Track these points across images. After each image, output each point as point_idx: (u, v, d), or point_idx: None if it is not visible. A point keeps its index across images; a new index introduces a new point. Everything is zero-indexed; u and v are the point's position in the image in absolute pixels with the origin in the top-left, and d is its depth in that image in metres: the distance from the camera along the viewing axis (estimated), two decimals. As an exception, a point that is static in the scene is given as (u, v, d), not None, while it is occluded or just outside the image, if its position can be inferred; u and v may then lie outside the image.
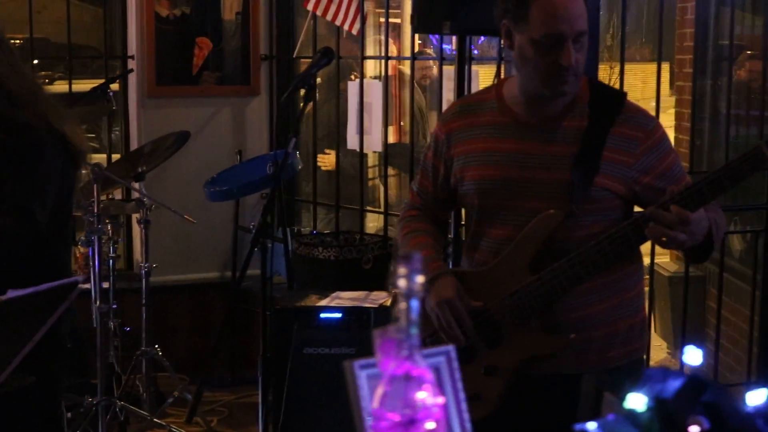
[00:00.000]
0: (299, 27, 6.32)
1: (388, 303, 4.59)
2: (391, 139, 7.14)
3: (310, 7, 5.85)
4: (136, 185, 5.19)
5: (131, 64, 6.08)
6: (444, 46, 6.00)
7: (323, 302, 4.61)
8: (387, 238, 5.76)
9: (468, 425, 1.59)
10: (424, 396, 1.35)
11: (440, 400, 1.37)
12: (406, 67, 6.66)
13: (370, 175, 7.09)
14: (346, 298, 4.68)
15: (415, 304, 1.35)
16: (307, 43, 6.08)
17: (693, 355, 1.43)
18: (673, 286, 6.26)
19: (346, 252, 5.49)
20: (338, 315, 4.52)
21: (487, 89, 3.09)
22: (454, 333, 2.82)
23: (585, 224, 2.75)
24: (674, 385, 1.39)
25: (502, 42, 4.60)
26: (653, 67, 7.23)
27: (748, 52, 6.24)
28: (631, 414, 1.39)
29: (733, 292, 5.77)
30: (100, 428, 4.63)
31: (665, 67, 7.17)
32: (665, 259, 6.41)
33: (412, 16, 4.19)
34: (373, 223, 6.78)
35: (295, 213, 6.67)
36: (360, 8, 5.70)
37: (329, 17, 5.80)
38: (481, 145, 2.87)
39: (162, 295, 5.79)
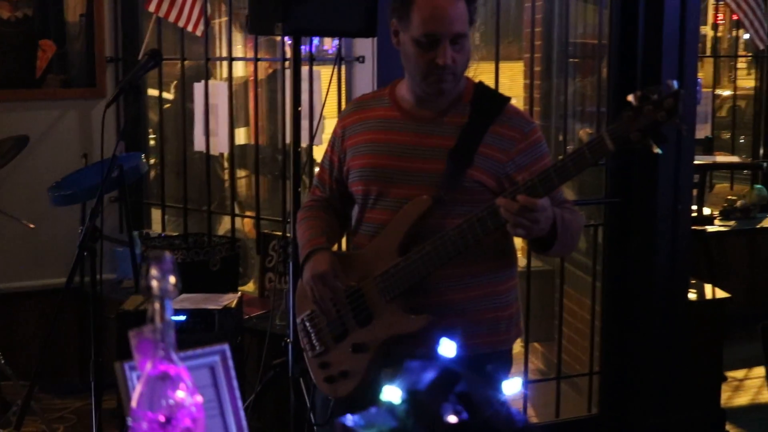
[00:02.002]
0: (145, 29, 6.27)
1: (233, 304, 4.60)
2: (243, 140, 7.15)
3: (151, 8, 5.80)
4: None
5: (-27, 67, 5.96)
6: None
7: (168, 305, 4.58)
8: (235, 239, 5.76)
9: (244, 423, 1.61)
10: (181, 395, 1.36)
11: (199, 398, 1.38)
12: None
13: (225, 177, 7.07)
14: (191, 300, 4.66)
15: (169, 304, 1.36)
16: (153, 45, 6.02)
17: (447, 347, 1.48)
18: (523, 279, 6.37)
19: (193, 254, 5.47)
20: (182, 317, 4.49)
21: (381, 89, 3.23)
22: (326, 306, 2.97)
23: (457, 213, 2.85)
24: (428, 377, 1.43)
25: (340, 42, 4.70)
26: (514, 66, 7.38)
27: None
28: (389, 406, 1.43)
29: (579, 285, 5.91)
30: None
31: (519, 65, 7.29)
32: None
33: (247, 18, 4.19)
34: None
35: (146, 216, 6.59)
36: (203, 10, 5.68)
37: (171, 18, 5.77)
38: (367, 137, 3.03)
39: (8, 301, 5.68)
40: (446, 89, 2.90)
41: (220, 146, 5.94)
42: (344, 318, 3.00)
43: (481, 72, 7.83)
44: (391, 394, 1.40)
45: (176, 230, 6.31)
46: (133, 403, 1.37)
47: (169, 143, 6.32)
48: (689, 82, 5.10)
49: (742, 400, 6.03)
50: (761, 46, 8.02)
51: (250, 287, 6.03)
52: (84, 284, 4.94)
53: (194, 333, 4.47)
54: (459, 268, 2.89)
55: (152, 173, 6.55)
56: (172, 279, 1.35)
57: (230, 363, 1.62)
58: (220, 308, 4.54)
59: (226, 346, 1.62)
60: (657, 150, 2.58)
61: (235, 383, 1.61)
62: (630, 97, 2.56)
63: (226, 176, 7.11)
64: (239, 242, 5.82)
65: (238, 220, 6.11)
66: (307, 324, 3.11)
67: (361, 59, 5.12)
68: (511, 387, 1.44)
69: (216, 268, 5.42)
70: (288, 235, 4.23)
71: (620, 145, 2.58)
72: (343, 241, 4.24)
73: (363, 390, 2.97)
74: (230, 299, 4.67)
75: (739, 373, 6.36)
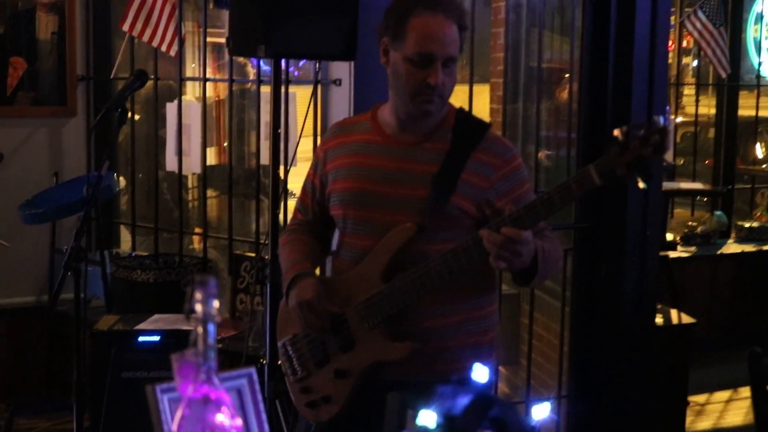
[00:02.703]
0: (117, 48, 6.26)
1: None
2: (214, 161, 7.14)
3: (126, 28, 5.80)
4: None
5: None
6: (265, 67, 6.03)
7: (141, 325, 4.57)
8: (206, 260, 5.75)
9: (270, 445, 1.63)
10: (222, 419, 1.38)
11: (239, 422, 1.40)
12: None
13: (191, 197, 7.06)
14: (165, 320, 4.66)
15: (212, 328, 1.38)
16: (125, 64, 6.03)
17: (480, 373, 1.51)
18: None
19: (165, 274, 5.46)
20: (156, 338, 4.49)
21: (363, 113, 3.23)
22: (317, 331, 2.98)
23: (440, 239, 2.87)
24: (463, 402, 1.46)
25: (317, 64, 4.73)
26: (477, 88, 7.42)
27: (568, 75, 6.44)
28: (423, 430, 1.45)
29: (546, 309, 5.96)
30: None
31: (486, 89, 7.34)
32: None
33: (228, 39, 4.20)
34: (200, 245, 6.76)
35: (115, 235, 6.57)
36: (178, 31, 5.69)
37: (146, 39, 5.77)
38: (349, 161, 3.03)
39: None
40: (432, 111, 2.91)
41: (192, 166, 5.94)
42: (327, 343, 3.01)
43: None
44: (427, 418, 1.42)
45: (142, 250, 6.29)
46: (174, 427, 1.38)
47: (139, 163, 6.30)
48: (658, 109, 5.17)
49: (705, 424, 6.11)
50: (723, 75, 8.16)
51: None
52: (53, 303, 4.90)
53: (168, 353, 4.43)
54: (441, 295, 2.90)
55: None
56: (215, 303, 1.37)
57: (257, 387, 1.64)
58: (194, 329, 4.52)
59: (252, 370, 1.64)
60: (642, 185, 2.62)
61: (261, 406, 1.63)
62: (617, 132, 2.57)
63: (191, 197, 7.12)
64: (211, 263, 5.83)
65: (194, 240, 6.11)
66: (289, 348, 3.11)
67: (337, 82, 5.15)
68: (541, 412, 1.48)
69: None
70: (265, 256, 4.23)
71: (607, 179, 2.60)
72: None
73: (345, 416, 2.99)
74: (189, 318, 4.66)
75: (701, 398, 6.45)
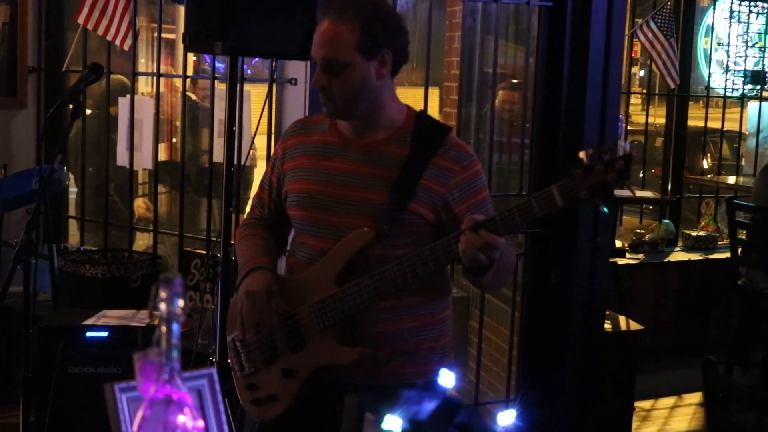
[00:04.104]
0: (69, 40, 6.19)
1: (156, 322, 4.55)
2: (163, 157, 7.09)
3: (80, 20, 5.74)
4: None
5: None
6: (218, 64, 6.00)
7: (89, 320, 4.53)
8: (156, 256, 5.71)
9: (229, 447, 1.61)
10: (184, 420, 1.36)
11: (200, 423, 1.38)
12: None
13: (140, 192, 7.00)
14: (114, 316, 4.62)
15: (176, 327, 1.36)
16: (77, 57, 5.96)
17: (446, 378, 1.50)
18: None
19: (114, 270, 5.42)
20: (104, 334, 4.44)
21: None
22: (247, 325, 2.95)
23: (398, 245, 2.86)
24: (429, 407, 1.46)
25: (273, 63, 4.71)
26: (437, 91, 7.43)
27: (502, 83, 6.46)
28: (387, 435, 1.44)
29: (495, 313, 5.98)
30: None
31: (436, 92, 7.36)
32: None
33: (184, 35, 4.17)
34: (143, 241, 6.70)
35: (62, 229, 6.51)
36: (132, 24, 5.64)
37: (100, 32, 5.72)
38: (306, 162, 3.01)
39: None
40: (327, 113, 2.94)
41: (143, 162, 5.89)
42: (277, 341, 2.99)
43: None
44: (392, 423, 1.41)
45: (90, 245, 6.23)
46: (135, 428, 1.36)
47: (88, 157, 6.24)
48: (611, 117, 5.20)
49: (650, 429, 6.16)
50: (673, 85, 8.23)
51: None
52: (2, 297, 4.83)
53: (116, 350, 4.42)
54: (393, 300, 2.89)
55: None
56: (180, 302, 1.35)
57: (217, 387, 1.62)
58: (143, 325, 4.49)
59: (213, 370, 1.63)
60: (603, 209, 2.62)
61: (221, 407, 1.62)
62: (581, 155, 2.56)
63: (141, 192, 7.06)
64: (160, 259, 5.78)
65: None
66: (238, 344, 3.08)
67: (293, 81, 5.13)
68: (506, 418, 1.47)
69: (137, 284, 5.37)
70: (217, 254, 4.20)
71: (568, 201, 2.59)
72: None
73: (290, 415, 2.98)
74: (151, 317, 4.63)
75: (646, 404, 6.49)
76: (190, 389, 1.60)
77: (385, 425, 1.41)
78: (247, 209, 3.36)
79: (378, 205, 2.88)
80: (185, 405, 1.37)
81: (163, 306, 1.35)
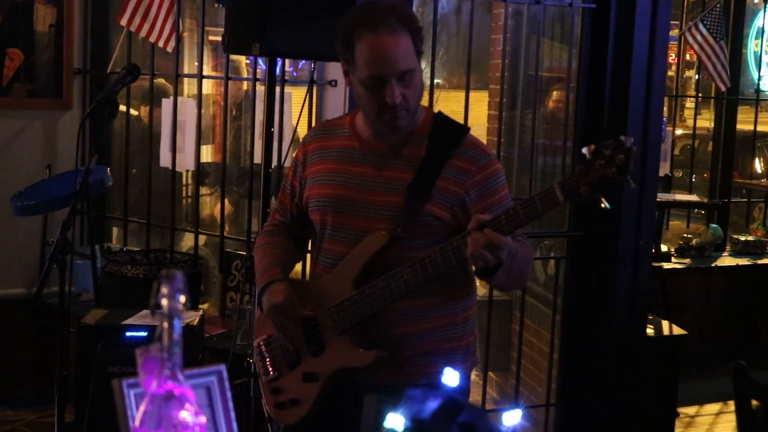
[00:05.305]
0: (114, 42, 6.25)
1: (196, 322, 4.58)
2: (212, 158, 7.13)
3: (123, 22, 5.79)
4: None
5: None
6: (262, 66, 6.02)
7: (129, 320, 4.55)
8: (198, 257, 5.74)
9: (237, 444, 1.61)
10: (185, 415, 1.36)
11: (202, 419, 1.38)
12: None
13: (184, 194, 7.04)
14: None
15: (177, 323, 1.36)
16: (122, 59, 6.01)
17: (451, 377, 1.49)
18: (483, 309, 6.41)
19: (155, 270, 5.45)
20: (144, 333, 4.47)
21: (344, 116, 3.23)
22: (291, 335, 2.97)
23: (414, 246, 2.85)
24: (432, 406, 1.44)
25: (313, 65, 4.71)
26: (476, 95, 7.41)
27: (557, 84, 6.43)
28: (391, 434, 1.43)
29: (537, 317, 5.94)
30: None
31: (485, 95, 7.33)
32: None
33: (223, 37, 4.20)
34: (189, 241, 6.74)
35: (106, 230, 6.56)
36: (175, 26, 5.67)
37: (143, 34, 5.76)
38: (327, 167, 3.02)
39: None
40: (401, 125, 2.89)
41: (186, 163, 5.92)
42: (298, 347, 3.01)
43: (442, 100, 7.89)
44: (395, 421, 1.40)
45: (133, 245, 6.28)
46: (137, 422, 1.37)
47: (132, 158, 6.29)
48: (655, 120, 5.16)
49: (694, 436, 6.11)
50: (723, 89, 8.14)
51: (208, 306, 6.01)
52: (41, 296, 4.88)
53: (155, 350, 4.43)
54: (414, 301, 2.89)
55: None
56: (182, 298, 1.35)
57: (226, 384, 1.62)
58: (183, 326, 4.51)
59: (222, 367, 1.63)
60: (605, 205, 2.57)
61: (230, 404, 1.61)
62: (584, 150, 2.53)
63: (184, 193, 7.09)
64: (202, 260, 5.81)
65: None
66: (264, 349, 3.12)
67: (333, 83, 5.14)
68: (512, 418, 1.46)
69: (178, 285, 5.40)
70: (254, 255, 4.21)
71: (570, 197, 2.57)
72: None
73: (313, 419, 2.99)
74: (192, 317, 4.64)
75: (691, 410, 6.43)
76: (199, 386, 1.61)
77: (387, 423, 1.40)
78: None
79: (394, 207, 2.88)
80: (187, 401, 1.36)
81: (164, 302, 1.35)
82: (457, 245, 2.74)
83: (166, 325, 1.36)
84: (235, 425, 1.61)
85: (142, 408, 1.37)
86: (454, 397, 1.43)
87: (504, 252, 2.67)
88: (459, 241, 2.74)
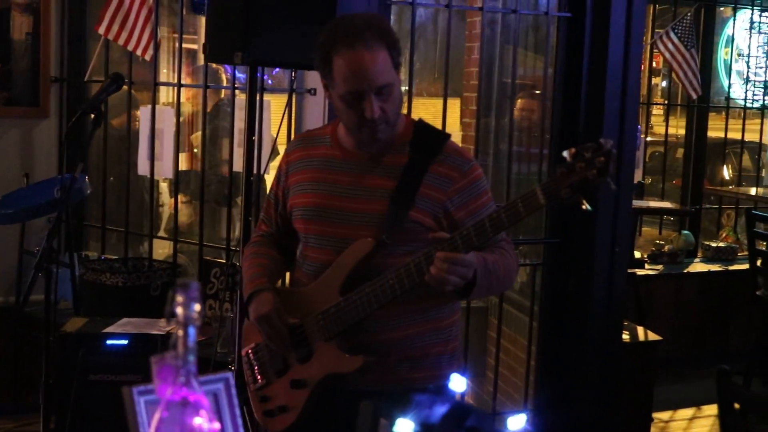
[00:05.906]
0: (91, 50, 6.24)
1: (175, 330, 4.58)
2: (185, 166, 7.13)
3: (101, 31, 5.79)
4: None
5: None
6: (238, 74, 6.04)
7: (110, 328, 4.56)
8: (176, 264, 5.74)
9: (244, 450, 1.63)
10: (200, 422, 1.39)
11: (216, 425, 1.41)
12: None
13: (161, 202, 7.04)
14: (133, 324, 4.65)
15: (192, 331, 1.39)
16: (99, 67, 6.01)
17: (457, 382, 1.52)
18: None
19: (134, 278, 5.45)
20: (124, 341, 4.47)
21: (326, 126, 3.24)
22: (279, 344, 3.00)
23: (399, 253, 2.88)
24: (440, 411, 1.47)
25: (293, 73, 4.73)
26: (448, 102, 7.45)
27: (521, 92, 6.47)
28: (399, 438, 1.46)
29: (513, 323, 5.98)
30: None
31: (456, 102, 7.37)
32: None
33: (205, 46, 4.20)
34: (163, 249, 6.74)
35: (84, 238, 6.55)
36: (153, 35, 5.68)
37: (121, 42, 5.76)
38: (310, 175, 3.04)
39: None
40: (381, 137, 2.91)
41: (164, 171, 5.93)
42: (286, 355, 3.04)
43: (415, 107, 7.91)
44: (404, 427, 1.43)
45: (108, 253, 6.27)
46: (152, 430, 1.39)
47: (109, 167, 6.28)
48: (630, 127, 5.22)
49: (668, 441, 6.17)
50: (694, 96, 8.23)
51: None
52: (23, 304, 4.88)
53: (136, 357, 4.45)
54: (400, 306, 2.92)
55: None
56: (197, 307, 1.38)
57: (233, 391, 1.65)
58: (163, 333, 4.53)
59: (229, 374, 1.65)
60: (586, 207, 2.59)
61: (237, 411, 1.64)
62: (565, 153, 2.56)
63: (161, 201, 7.09)
64: (180, 268, 5.82)
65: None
66: (252, 357, 3.14)
67: (312, 91, 5.16)
68: (517, 422, 1.49)
69: (157, 293, 5.41)
70: (236, 263, 4.23)
71: (551, 200, 2.60)
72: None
73: (301, 426, 3.01)
74: (173, 325, 4.65)
75: (665, 415, 6.49)
76: (207, 393, 1.63)
77: (396, 429, 1.43)
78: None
79: (378, 215, 2.90)
80: (201, 407, 1.39)
81: (179, 310, 1.38)
82: (442, 248, 2.77)
83: (181, 333, 1.38)
84: (242, 430, 1.63)
85: (157, 415, 1.39)
86: (462, 402, 1.46)
87: (469, 271, 2.71)
88: (444, 245, 2.76)
